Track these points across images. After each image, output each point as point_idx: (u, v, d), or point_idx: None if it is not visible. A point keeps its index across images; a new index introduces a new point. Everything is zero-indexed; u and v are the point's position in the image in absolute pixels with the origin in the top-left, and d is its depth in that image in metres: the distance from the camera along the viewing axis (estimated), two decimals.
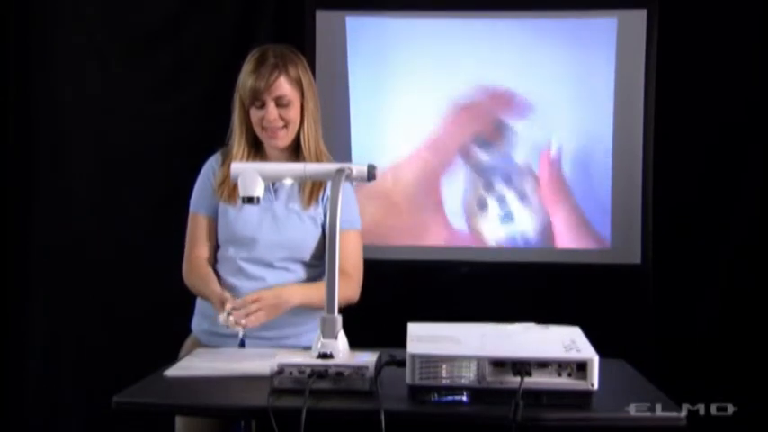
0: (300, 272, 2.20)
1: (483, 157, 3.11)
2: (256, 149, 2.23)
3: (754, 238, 3.07)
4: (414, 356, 1.60)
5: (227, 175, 2.15)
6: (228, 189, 2.17)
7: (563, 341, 1.68)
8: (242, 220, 2.17)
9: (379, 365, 1.68)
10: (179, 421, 2.14)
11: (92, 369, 3.19)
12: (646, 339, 3.03)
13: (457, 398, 1.59)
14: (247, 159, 2.19)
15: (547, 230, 3.12)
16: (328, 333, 1.70)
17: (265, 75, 2.12)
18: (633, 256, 3.09)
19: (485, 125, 3.11)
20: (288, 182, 2.14)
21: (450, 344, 1.66)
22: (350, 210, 2.19)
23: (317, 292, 2.04)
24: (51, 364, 3.25)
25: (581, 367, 1.57)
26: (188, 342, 2.26)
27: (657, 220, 3.08)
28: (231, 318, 1.96)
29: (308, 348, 1.75)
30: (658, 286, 3.10)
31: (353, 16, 3.16)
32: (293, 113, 2.16)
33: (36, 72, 3.22)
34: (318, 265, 2.21)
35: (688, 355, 3.06)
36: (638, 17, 3.06)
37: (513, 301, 2.94)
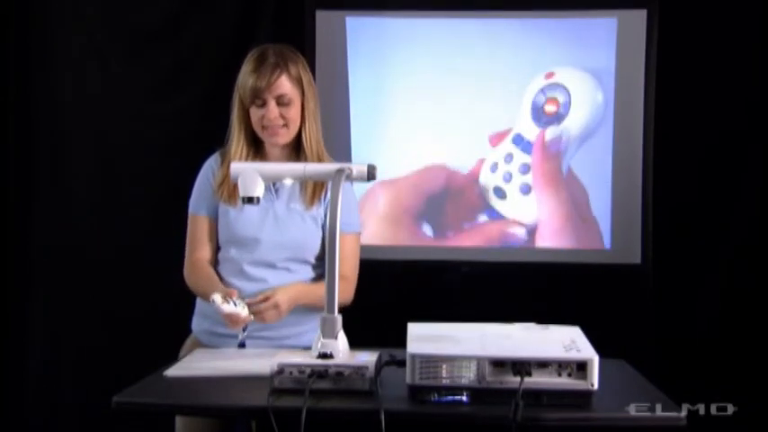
0: (302, 272, 2.20)
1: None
2: (256, 149, 2.23)
3: (754, 238, 3.07)
4: (414, 356, 1.60)
5: (226, 176, 2.15)
6: (228, 189, 2.17)
7: (563, 341, 1.68)
8: (243, 220, 2.17)
9: (379, 365, 1.68)
10: (179, 421, 2.14)
11: (92, 369, 3.19)
12: (646, 339, 3.03)
13: (457, 398, 1.59)
14: (247, 159, 2.19)
15: (546, 230, 3.12)
16: (328, 333, 1.70)
17: (266, 73, 2.12)
18: (633, 256, 3.09)
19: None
20: (288, 182, 2.14)
21: (451, 344, 1.67)
22: (350, 212, 2.19)
23: (314, 290, 2.08)
24: (51, 364, 3.25)
25: (581, 367, 1.57)
26: (188, 342, 2.25)
27: (657, 220, 3.08)
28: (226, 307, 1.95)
29: (308, 348, 1.75)
30: (658, 286, 3.10)
31: (353, 16, 3.16)
32: (294, 112, 2.16)
33: (36, 72, 3.22)
34: (320, 265, 2.21)
35: (688, 355, 3.06)
36: (638, 17, 3.06)
37: (513, 301, 2.95)
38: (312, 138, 2.19)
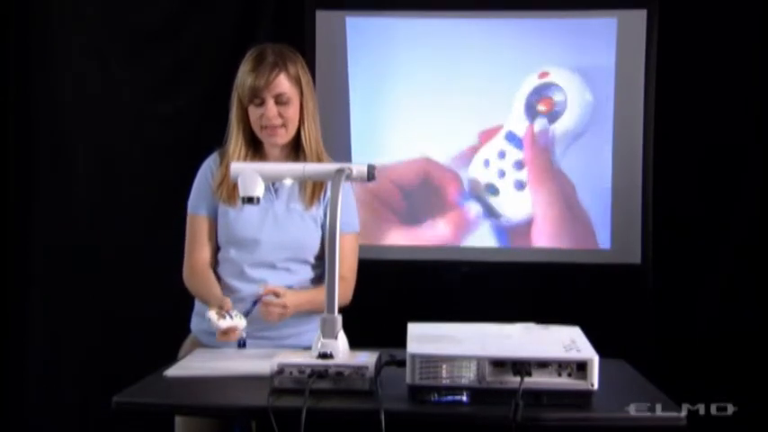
0: (302, 272, 2.20)
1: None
2: (254, 148, 2.22)
3: (754, 238, 3.07)
4: (414, 356, 1.60)
5: (226, 176, 2.15)
6: (228, 189, 2.16)
7: (563, 341, 1.68)
8: (242, 220, 2.17)
9: (379, 365, 1.68)
10: (178, 421, 2.14)
11: (92, 369, 3.19)
12: (646, 339, 3.03)
13: (457, 398, 1.59)
14: (245, 158, 2.18)
15: (547, 230, 3.12)
16: (328, 333, 1.70)
17: (265, 72, 2.12)
18: (633, 256, 3.09)
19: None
20: (288, 182, 2.14)
21: (451, 344, 1.67)
22: (348, 212, 2.19)
23: (317, 297, 2.07)
24: (51, 364, 3.25)
25: (581, 367, 1.57)
26: (187, 342, 2.25)
27: (657, 220, 3.08)
28: (221, 321, 1.95)
29: (308, 348, 1.75)
30: (658, 286, 3.10)
31: (353, 16, 3.16)
32: (292, 111, 2.16)
33: (36, 72, 3.22)
34: (319, 265, 2.22)
35: (688, 355, 3.06)
36: (638, 17, 3.06)
37: (513, 301, 2.95)
38: (311, 137, 2.19)
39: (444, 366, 1.59)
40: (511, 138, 3.12)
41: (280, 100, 2.14)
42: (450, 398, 1.60)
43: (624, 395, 1.65)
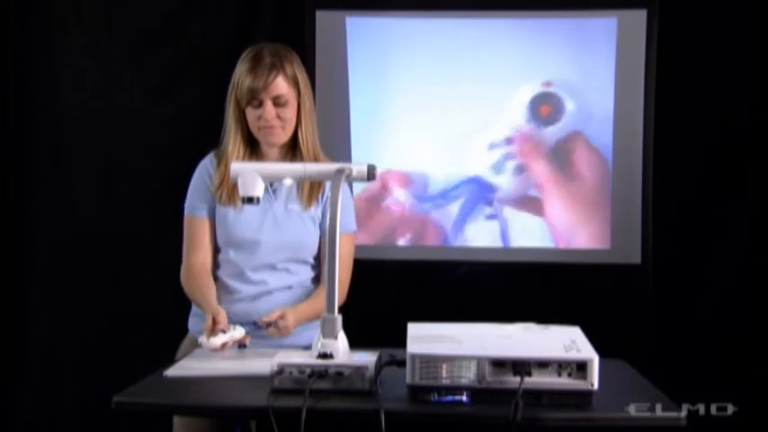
0: (301, 272, 2.20)
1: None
2: (252, 148, 2.21)
3: (754, 238, 3.07)
4: (414, 356, 1.60)
5: (224, 177, 2.15)
6: (227, 191, 2.16)
7: (563, 341, 1.68)
8: (242, 222, 2.17)
9: (379, 365, 1.68)
10: (176, 421, 2.14)
11: (92, 369, 3.19)
12: (646, 339, 3.03)
13: (457, 398, 1.59)
14: (243, 159, 2.18)
15: (547, 230, 3.12)
16: (328, 333, 1.70)
17: (263, 74, 2.11)
18: (633, 256, 3.09)
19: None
20: (288, 182, 2.14)
21: (451, 344, 1.67)
22: (346, 212, 2.18)
23: (309, 311, 2.10)
24: (51, 364, 3.25)
25: (581, 367, 1.57)
26: (185, 342, 2.25)
27: (657, 220, 3.08)
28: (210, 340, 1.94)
29: (307, 348, 1.75)
30: (658, 286, 3.10)
31: (353, 16, 3.16)
32: (290, 112, 2.15)
33: (36, 72, 3.22)
34: (318, 265, 2.22)
35: (688, 355, 3.06)
36: (638, 17, 3.06)
37: (513, 301, 2.95)
38: (308, 137, 2.19)
39: (444, 366, 1.59)
40: (509, 139, 3.12)
41: (278, 102, 2.13)
42: (450, 398, 1.60)
43: (624, 395, 1.65)
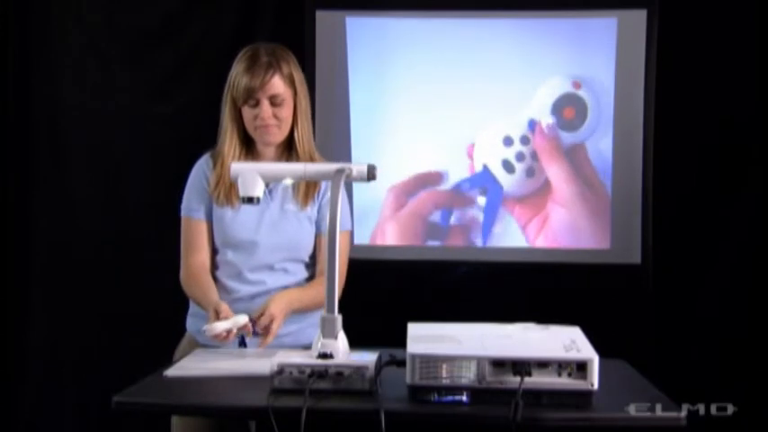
0: (298, 272, 2.20)
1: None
2: (248, 148, 2.21)
3: (753, 238, 3.07)
4: (414, 356, 1.60)
5: (221, 177, 2.15)
6: (224, 191, 2.16)
7: (563, 341, 1.67)
8: (239, 223, 2.17)
9: (379, 365, 1.68)
10: (174, 422, 2.14)
11: (92, 369, 3.19)
12: (646, 339, 3.03)
13: (457, 398, 1.59)
14: (239, 158, 2.17)
15: (547, 229, 3.12)
16: (328, 333, 1.70)
17: (260, 73, 2.11)
18: (633, 256, 3.09)
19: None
20: (288, 182, 2.14)
21: (451, 344, 1.67)
22: (342, 211, 2.18)
23: (306, 295, 2.11)
24: (51, 364, 3.25)
25: (581, 367, 1.57)
26: (184, 342, 2.25)
27: (657, 220, 3.08)
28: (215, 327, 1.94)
29: (307, 347, 1.75)
30: (658, 286, 3.10)
31: (353, 16, 3.16)
32: (286, 112, 2.15)
33: (36, 72, 3.22)
34: (313, 264, 2.22)
35: (688, 355, 3.06)
36: (638, 17, 3.06)
37: (513, 301, 2.95)
38: (304, 137, 2.19)
39: (444, 366, 1.59)
40: (508, 139, 3.12)
41: (274, 101, 2.13)
42: (450, 398, 1.60)
43: (624, 395, 1.65)
